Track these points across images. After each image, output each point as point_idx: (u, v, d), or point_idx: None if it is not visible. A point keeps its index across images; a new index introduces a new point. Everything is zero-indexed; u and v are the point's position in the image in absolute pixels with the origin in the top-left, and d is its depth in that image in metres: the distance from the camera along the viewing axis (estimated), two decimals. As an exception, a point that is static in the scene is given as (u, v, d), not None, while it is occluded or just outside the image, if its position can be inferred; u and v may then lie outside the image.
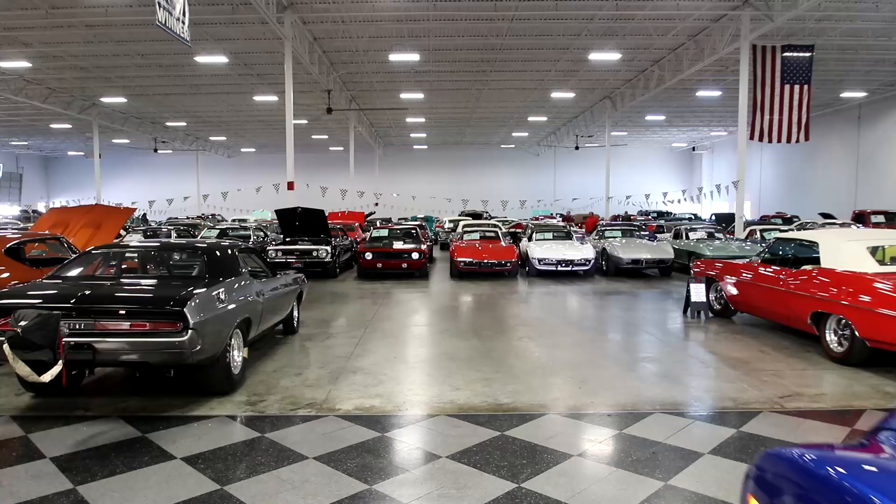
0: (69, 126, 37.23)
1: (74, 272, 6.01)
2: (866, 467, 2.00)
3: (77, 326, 4.85)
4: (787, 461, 2.08)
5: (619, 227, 18.45)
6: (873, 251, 7.00)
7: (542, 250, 15.22)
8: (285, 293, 7.60)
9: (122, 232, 17.85)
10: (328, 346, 7.75)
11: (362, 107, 32.31)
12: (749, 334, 8.25)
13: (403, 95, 29.25)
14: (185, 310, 4.87)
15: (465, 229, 18.00)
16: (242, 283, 6.13)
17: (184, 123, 38.86)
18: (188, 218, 35.21)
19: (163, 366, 5.08)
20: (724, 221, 25.83)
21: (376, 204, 42.31)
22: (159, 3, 9.73)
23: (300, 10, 17.91)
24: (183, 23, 10.53)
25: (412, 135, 44.63)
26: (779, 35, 18.93)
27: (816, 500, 1.84)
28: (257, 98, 29.26)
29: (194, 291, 5.19)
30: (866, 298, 6.24)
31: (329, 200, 39.35)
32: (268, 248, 15.22)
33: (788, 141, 17.55)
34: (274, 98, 28.34)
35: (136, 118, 36.44)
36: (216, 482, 3.84)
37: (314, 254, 14.96)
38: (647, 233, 18.94)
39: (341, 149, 46.82)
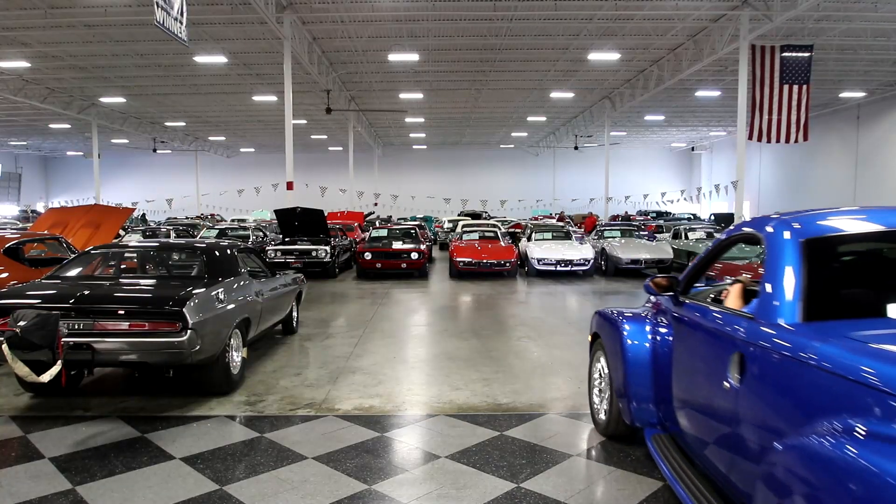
0: (68, 126, 37.21)
1: (73, 272, 6.01)
2: (628, 312, 4.24)
3: (76, 326, 4.84)
4: (600, 313, 4.59)
5: (618, 227, 18.47)
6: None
7: (541, 250, 15.23)
8: (284, 293, 7.60)
9: (121, 232, 17.84)
10: (327, 346, 7.75)
11: (361, 106, 32.32)
12: (748, 334, 8.23)
13: (403, 95, 29.25)
14: (184, 310, 4.86)
15: (465, 229, 18.01)
16: (242, 283, 6.13)
17: (183, 123, 38.84)
18: (187, 218, 35.19)
19: (162, 366, 5.08)
20: (724, 221, 25.86)
21: (375, 204, 42.30)
22: (158, 3, 9.72)
23: (299, 10, 17.90)
24: (181, 23, 10.53)
25: (411, 135, 44.62)
26: (778, 35, 18.94)
27: (603, 321, 4.41)
28: (256, 98, 29.25)
29: (193, 291, 5.19)
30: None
31: (328, 200, 39.33)
32: (267, 248, 15.22)
33: (787, 141, 17.57)
34: (273, 98, 28.34)
35: (135, 118, 36.43)
36: (215, 482, 3.84)
37: (313, 254, 14.95)
38: (646, 233, 18.95)
39: (340, 149, 46.83)
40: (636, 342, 3.93)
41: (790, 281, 2.60)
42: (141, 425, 4.83)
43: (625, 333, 4.00)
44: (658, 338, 3.85)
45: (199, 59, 21.78)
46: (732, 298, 3.31)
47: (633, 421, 4.02)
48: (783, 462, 2.04)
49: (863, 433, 1.79)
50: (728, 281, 3.45)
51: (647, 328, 3.97)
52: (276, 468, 4.05)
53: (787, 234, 2.78)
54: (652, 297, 4.15)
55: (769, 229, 2.93)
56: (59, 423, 4.92)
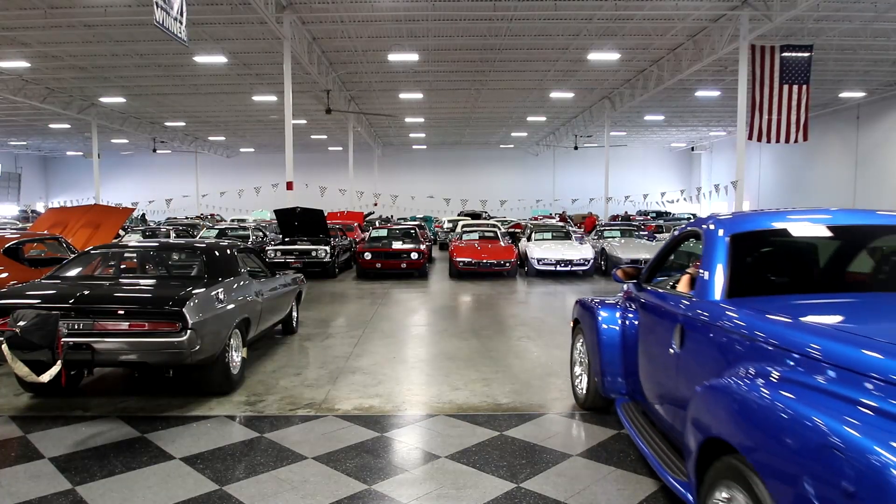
0: (68, 126, 37.22)
1: (73, 272, 6.01)
2: (603, 300, 4.81)
3: (76, 326, 4.84)
4: (580, 302, 5.16)
5: (618, 228, 18.46)
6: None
7: (541, 250, 15.23)
8: (284, 293, 7.60)
9: (121, 232, 17.84)
10: (327, 346, 7.75)
11: (361, 106, 32.33)
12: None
13: (402, 95, 29.25)
14: (183, 310, 4.86)
15: (464, 229, 18.00)
16: (241, 283, 6.13)
17: (182, 123, 38.85)
18: (187, 218, 35.19)
19: (162, 366, 5.08)
20: (723, 221, 25.81)
21: (375, 204, 42.30)
22: (157, 3, 9.72)
23: (299, 10, 17.90)
24: (181, 22, 10.53)
25: (411, 135, 44.63)
26: (777, 35, 18.95)
27: (582, 309, 4.97)
28: (256, 98, 29.26)
29: (193, 291, 5.19)
30: (866, 298, 6.18)
31: (328, 200, 39.33)
32: (267, 248, 15.22)
33: (787, 141, 17.58)
34: (273, 98, 28.35)
35: (134, 118, 36.43)
36: (215, 482, 3.84)
37: (313, 254, 14.95)
38: (645, 233, 18.95)
39: (340, 149, 46.83)
40: (609, 326, 4.58)
41: (719, 267, 3.27)
42: (141, 425, 4.83)
43: (599, 319, 4.63)
44: (626, 321, 4.48)
45: (199, 59, 21.78)
46: (683, 284, 3.84)
47: (606, 393, 4.60)
48: (703, 398, 2.66)
49: (753, 373, 2.52)
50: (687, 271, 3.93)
51: (618, 314, 4.59)
52: (276, 468, 4.05)
53: (718, 232, 3.44)
54: (623, 286, 4.80)
55: (705, 227, 3.62)
56: (58, 423, 4.92)
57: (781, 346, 2.45)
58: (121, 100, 30.11)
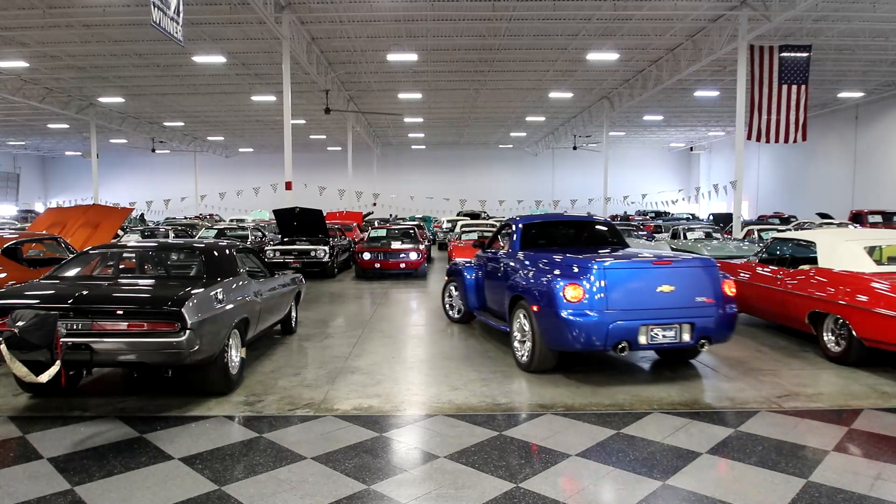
0: (67, 126, 37.20)
1: (72, 272, 6.00)
2: (465, 262, 9.27)
3: (74, 327, 4.84)
4: (453, 264, 9.60)
5: (616, 227, 18.43)
6: (870, 251, 7.01)
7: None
8: (283, 293, 7.60)
9: (120, 232, 17.82)
10: (326, 346, 7.75)
11: (360, 106, 32.32)
12: (747, 334, 8.26)
13: (401, 95, 29.26)
14: (182, 310, 4.86)
15: (463, 229, 17.99)
16: (240, 283, 6.13)
17: (181, 123, 38.83)
18: (186, 218, 35.15)
19: (160, 366, 5.07)
20: (722, 221, 25.87)
21: (374, 204, 42.27)
22: (154, 3, 9.72)
23: (298, 10, 17.90)
24: (177, 22, 10.52)
25: (410, 135, 44.64)
26: (776, 35, 18.98)
27: (453, 267, 9.32)
28: (255, 98, 29.25)
29: (192, 291, 5.18)
30: (863, 298, 6.25)
31: (327, 200, 39.30)
32: (266, 248, 15.21)
33: (786, 141, 17.59)
34: (272, 98, 28.34)
35: (133, 118, 36.41)
36: (214, 482, 3.84)
37: (312, 254, 14.95)
38: (644, 233, 18.94)
39: (339, 149, 46.84)
40: (469, 276, 8.65)
41: (518, 238, 7.75)
42: (139, 426, 4.83)
43: (464, 272, 8.76)
44: (478, 272, 8.54)
45: (198, 58, 21.77)
46: (505, 247, 8.08)
47: (470, 309, 8.66)
48: (513, 283, 6.87)
49: (530, 271, 6.76)
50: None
51: (473, 269, 8.68)
52: (275, 468, 4.05)
53: (519, 224, 7.97)
54: (478, 252, 8.98)
55: (514, 221, 8.15)
56: (57, 423, 4.92)
57: (538, 261, 6.79)
58: (119, 100, 30.10)
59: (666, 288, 5.82)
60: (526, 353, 6.44)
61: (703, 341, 5.97)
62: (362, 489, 3.76)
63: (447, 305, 9.41)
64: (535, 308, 6.16)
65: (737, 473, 3.98)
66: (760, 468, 4.03)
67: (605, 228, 8.35)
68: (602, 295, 5.75)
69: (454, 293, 9.20)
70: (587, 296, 5.75)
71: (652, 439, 4.53)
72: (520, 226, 7.82)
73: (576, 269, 6.00)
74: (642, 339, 5.76)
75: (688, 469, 4.02)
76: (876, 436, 4.64)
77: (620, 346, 5.73)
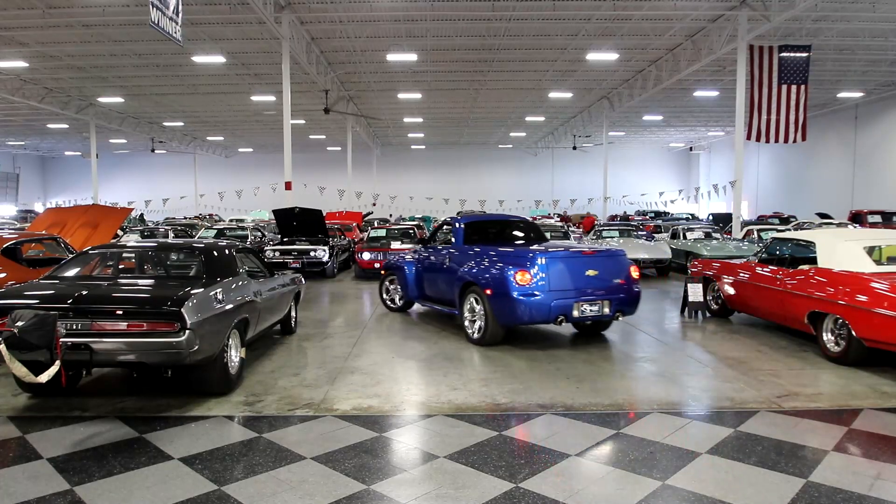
0: (66, 126, 37.18)
1: (71, 272, 6.00)
2: (404, 256, 10.14)
3: (74, 327, 4.83)
4: (389, 259, 11.23)
5: (616, 228, 18.44)
6: (870, 251, 7.01)
7: (539, 250, 15.30)
8: (283, 293, 7.60)
9: (120, 232, 17.81)
10: (326, 346, 7.75)
11: (360, 106, 32.31)
12: (746, 334, 8.26)
13: (401, 95, 29.25)
14: (182, 310, 4.86)
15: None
16: (240, 283, 6.12)
17: (181, 123, 38.81)
18: (185, 218, 35.13)
19: (160, 366, 5.07)
20: (722, 221, 25.84)
21: (374, 204, 42.26)
22: (153, 3, 9.71)
23: (298, 10, 17.89)
24: (176, 22, 10.51)
25: (410, 135, 44.63)
26: (776, 35, 18.98)
27: (391, 263, 10.37)
28: (255, 98, 29.24)
29: (192, 291, 5.18)
30: (863, 298, 6.25)
31: (327, 201, 39.30)
32: (265, 248, 15.21)
33: (786, 141, 17.59)
34: (272, 98, 28.33)
35: (133, 118, 36.40)
36: (214, 482, 3.84)
37: (312, 254, 14.94)
38: (644, 233, 18.93)
39: (339, 149, 46.81)
40: (409, 269, 9.57)
41: (461, 234, 8.85)
42: (139, 426, 4.83)
43: (405, 267, 9.62)
44: (419, 265, 9.46)
45: (198, 58, 21.76)
46: (449, 243, 9.08)
47: (410, 298, 9.68)
48: (461, 272, 8.04)
49: (473, 262, 8.03)
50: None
51: (412, 263, 9.60)
52: (275, 468, 4.05)
53: (461, 223, 9.11)
54: (418, 247, 10.02)
55: (455, 220, 9.45)
56: (56, 423, 4.91)
57: (486, 254, 8.00)
58: (119, 100, 30.08)
59: (591, 272, 7.39)
60: (476, 331, 7.65)
61: (617, 314, 7.53)
62: (362, 489, 3.76)
63: (387, 298, 10.37)
64: (487, 291, 7.38)
65: (736, 473, 3.98)
66: (760, 468, 4.03)
67: (528, 227, 9.73)
68: (545, 279, 7.16)
69: (390, 287, 10.29)
70: (533, 280, 7.12)
71: (652, 439, 4.53)
72: (462, 224, 9.01)
73: (523, 259, 7.34)
74: (576, 313, 7.23)
75: (687, 469, 4.02)
76: (875, 436, 4.64)
77: (559, 320, 7.16)
